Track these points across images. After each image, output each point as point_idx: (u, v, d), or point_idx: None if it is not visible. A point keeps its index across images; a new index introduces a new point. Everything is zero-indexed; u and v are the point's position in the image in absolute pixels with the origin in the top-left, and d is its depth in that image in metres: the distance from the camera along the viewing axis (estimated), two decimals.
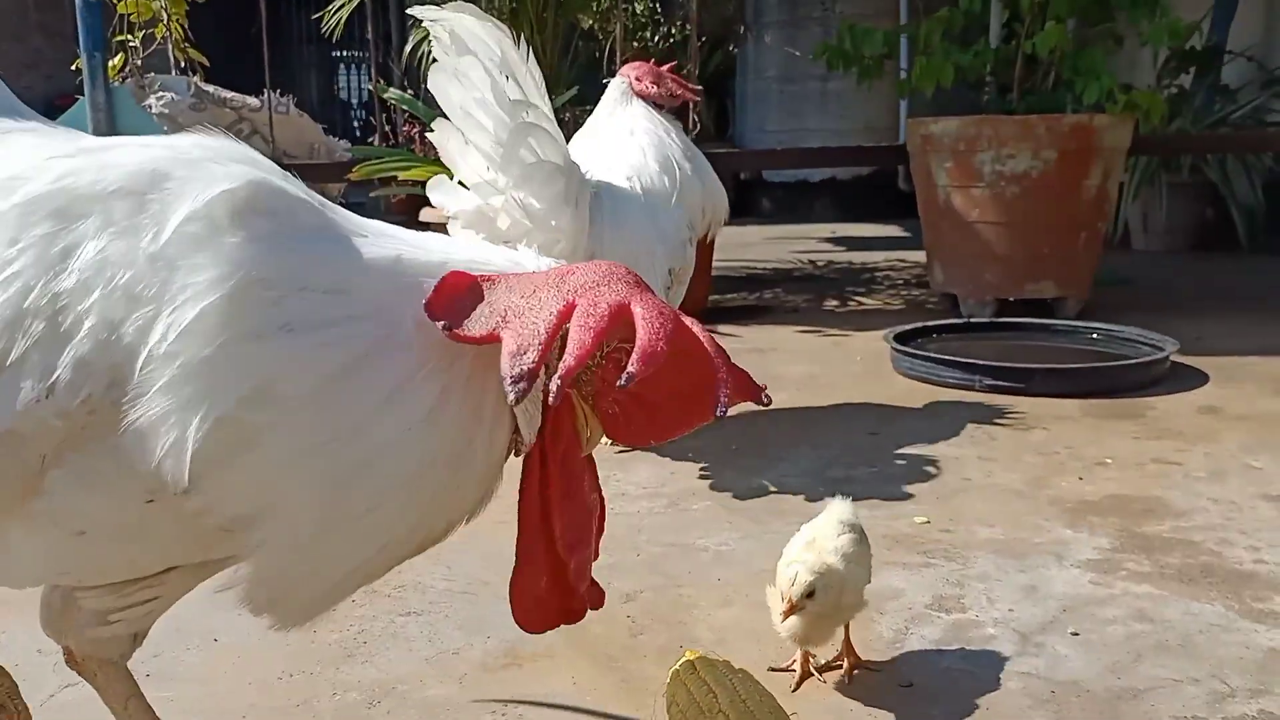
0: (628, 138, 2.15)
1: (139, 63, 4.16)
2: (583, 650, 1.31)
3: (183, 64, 4.31)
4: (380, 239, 0.85)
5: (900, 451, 2.11)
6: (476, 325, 0.77)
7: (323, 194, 0.92)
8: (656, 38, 4.36)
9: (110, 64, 3.78)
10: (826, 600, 1.17)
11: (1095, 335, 2.94)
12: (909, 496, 1.85)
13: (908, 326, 2.93)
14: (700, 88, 2.58)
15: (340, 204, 0.91)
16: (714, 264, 3.70)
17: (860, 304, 3.81)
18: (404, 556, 0.89)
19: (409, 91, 3.78)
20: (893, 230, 5.84)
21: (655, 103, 2.22)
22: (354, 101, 10.21)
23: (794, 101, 6.49)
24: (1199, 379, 2.61)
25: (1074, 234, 3.32)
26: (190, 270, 0.75)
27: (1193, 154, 4.71)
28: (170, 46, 4.22)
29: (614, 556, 1.54)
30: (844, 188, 6.59)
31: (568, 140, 1.96)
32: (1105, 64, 3.29)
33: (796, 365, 2.86)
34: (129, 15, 4.14)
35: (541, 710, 1.18)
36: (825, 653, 1.27)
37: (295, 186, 0.86)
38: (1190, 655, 1.28)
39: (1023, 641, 1.32)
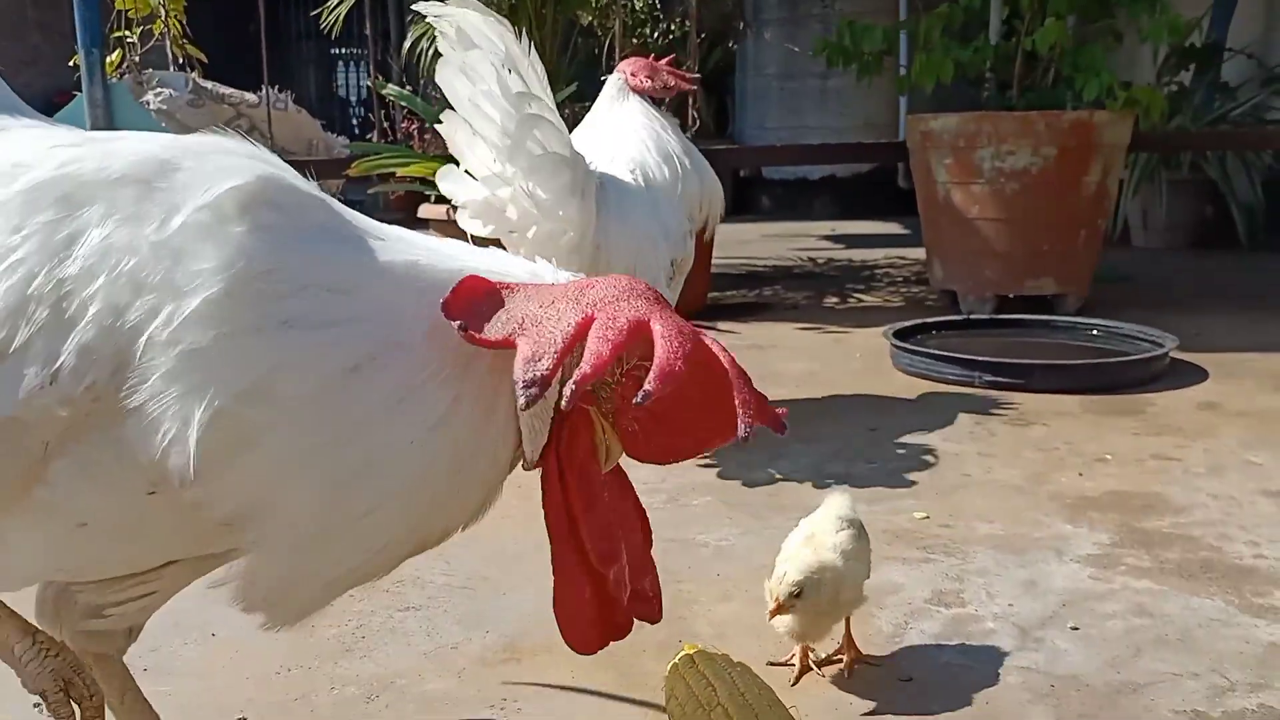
0: (629, 131, 2.18)
1: (137, 59, 4.15)
2: None
3: (181, 60, 4.30)
4: (397, 244, 0.85)
5: (900, 447, 2.10)
6: (493, 330, 0.77)
7: (320, 188, 0.92)
8: (656, 34, 4.35)
9: (108, 60, 3.77)
10: (820, 597, 1.17)
11: (1095, 332, 2.94)
12: (909, 492, 1.85)
13: (907, 323, 2.93)
14: (697, 77, 2.59)
15: (339, 200, 0.90)
16: (713, 261, 3.70)
17: (860, 301, 3.81)
18: (401, 559, 0.88)
19: (407, 88, 3.78)
20: (892, 228, 5.83)
21: (652, 97, 2.24)
22: (352, 99, 10.20)
23: (794, 98, 6.49)
24: (1198, 375, 2.61)
25: (1074, 231, 3.31)
26: (195, 259, 0.75)
27: (1192, 151, 4.71)
28: (168, 43, 4.21)
29: None
30: (843, 185, 6.59)
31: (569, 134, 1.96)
32: (1105, 61, 3.29)
33: (796, 362, 2.86)
34: (127, 11, 4.14)
35: (540, 704, 1.18)
36: (825, 647, 1.26)
37: (307, 185, 0.85)
38: (1190, 650, 1.28)
39: (1022, 636, 1.32)
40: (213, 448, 0.74)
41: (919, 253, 4.03)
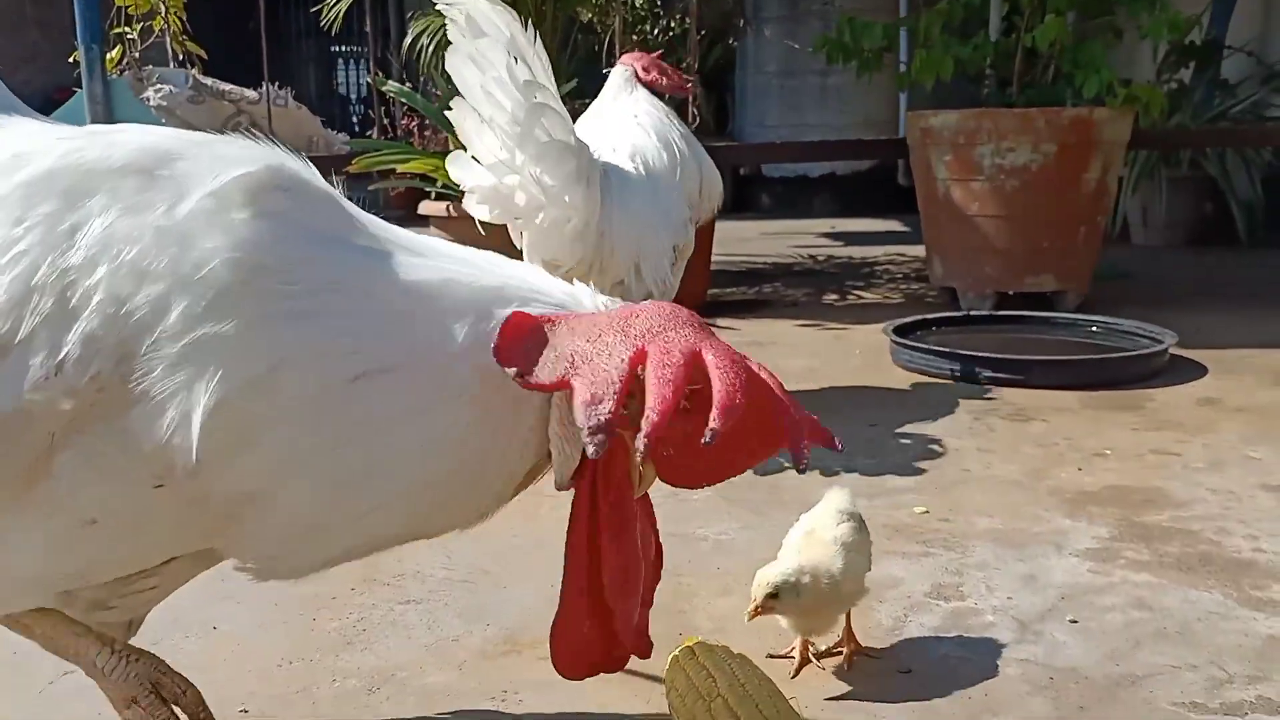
0: (630, 120, 2.23)
1: (137, 55, 4.15)
2: None
3: (181, 57, 4.30)
4: (432, 255, 0.84)
5: (900, 443, 2.11)
6: (545, 371, 0.76)
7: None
8: (656, 31, 4.35)
9: (108, 57, 3.77)
10: (799, 599, 1.16)
11: (1095, 328, 2.94)
12: (908, 487, 1.85)
13: (907, 319, 2.93)
14: (695, 77, 2.64)
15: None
16: (713, 258, 3.70)
17: (860, 298, 3.81)
18: (391, 546, 0.89)
19: (407, 85, 3.78)
20: (892, 225, 5.84)
21: (656, 90, 2.32)
22: (352, 96, 10.19)
23: (794, 96, 6.49)
24: (1198, 371, 2.61)
25: (1073, 227, 3.32)
26: (201, 247, 0.75)
27: (1192, 149, 4.71)
28: (168, 39, 4.21)
29: None
30: (843, 183, 6.59)
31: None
32: (1105, 58, 3.29)
33: (796, 358, 2.86)
34: (126, 8, 4.14)
35: (541, 696, 1.18)
36: (825, 640, 1.27)
37: (320, 181, 0.85)
38: (1189, 642, 1.29)
39: (1021, 629, 1.33)
40: (216, 439, 0.74)
41: (919, 250, 4.03)
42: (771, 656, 1.25)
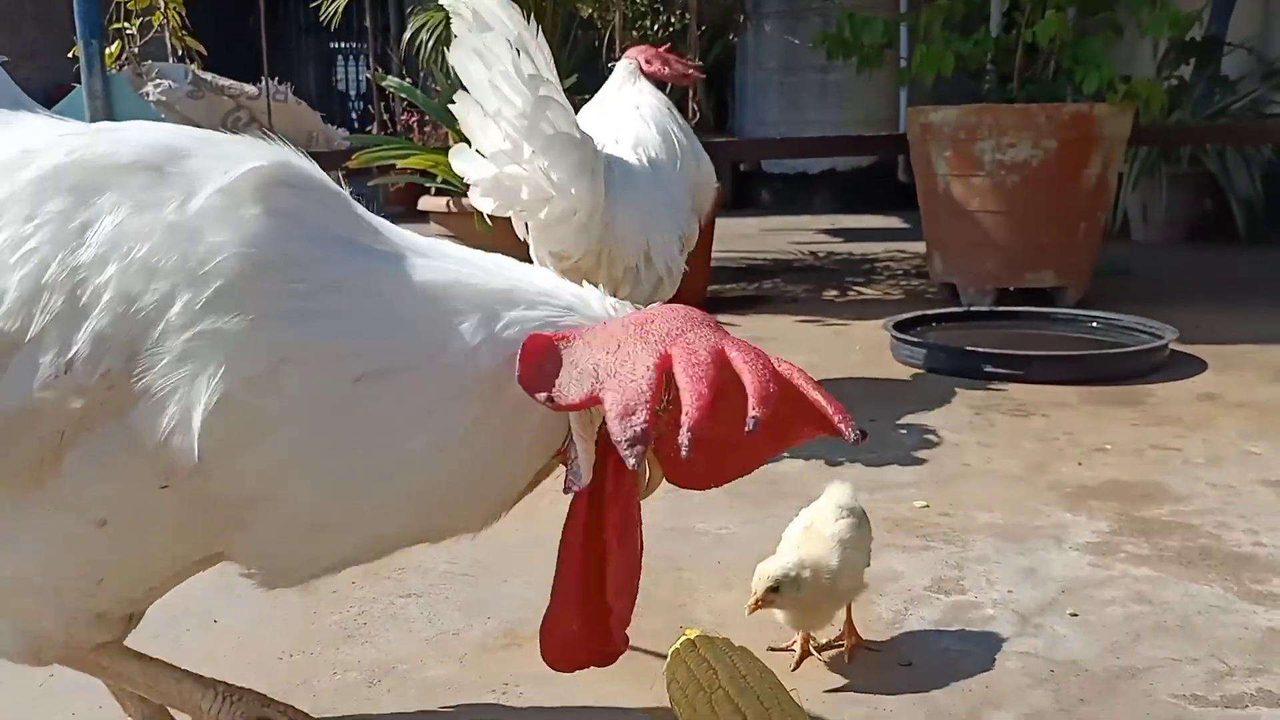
0: (633, 112, 2.25)
1: (136, 50, 4.15)
2: None
3: (180, 52, 4.29)
4: (438, 257, 0.84)
5: (900, 437, 2.11)
6: (572, 390, 0.76)
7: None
8: (656, 26, 4.35)
9: (107, 52, 3.77)
10: (800, 593, 1.16)
11: (1095, 324, 2.94)
12: (909, 481, 1.85)
13: (908, 315, 2.93)
14: (701, 63, 2.66)
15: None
16: (713, 255, 3.70)
17: (860, 294, 3.81)
18: (396, 549, 0.89)
19: (407, 80, 3.78)
20: (892, 222, 5.84)
21: (660, 83, 2.35)
22: (352, 93, 10.18)
23: (794, 93, 6.48)
24: (1198, 367, 2.61)
25: (1074, 223, 3.31)
26: (209, 243, 0.75)
27: (1192, 145, 4.71)
28: (167, 34, 4.21)
29: None
30: (843, 179, 6.58)
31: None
32: (1105, 54, 3.29)
33: (797, 354, 2.86)
34: (125, 3, 4.13)
35: (541, 690, 1.18)
36: (826, 633, 1.27)
37: (329, 181, 0.84)
38: (1189, 636, 1.29)
39: (1022, 622, 1.33)
40: (217, 438, 0.74)
41: (919, 246, 4.03)
42: (772, 649, 1.25)
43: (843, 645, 1.25)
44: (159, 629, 1.31)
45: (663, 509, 1.72)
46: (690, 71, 2.39)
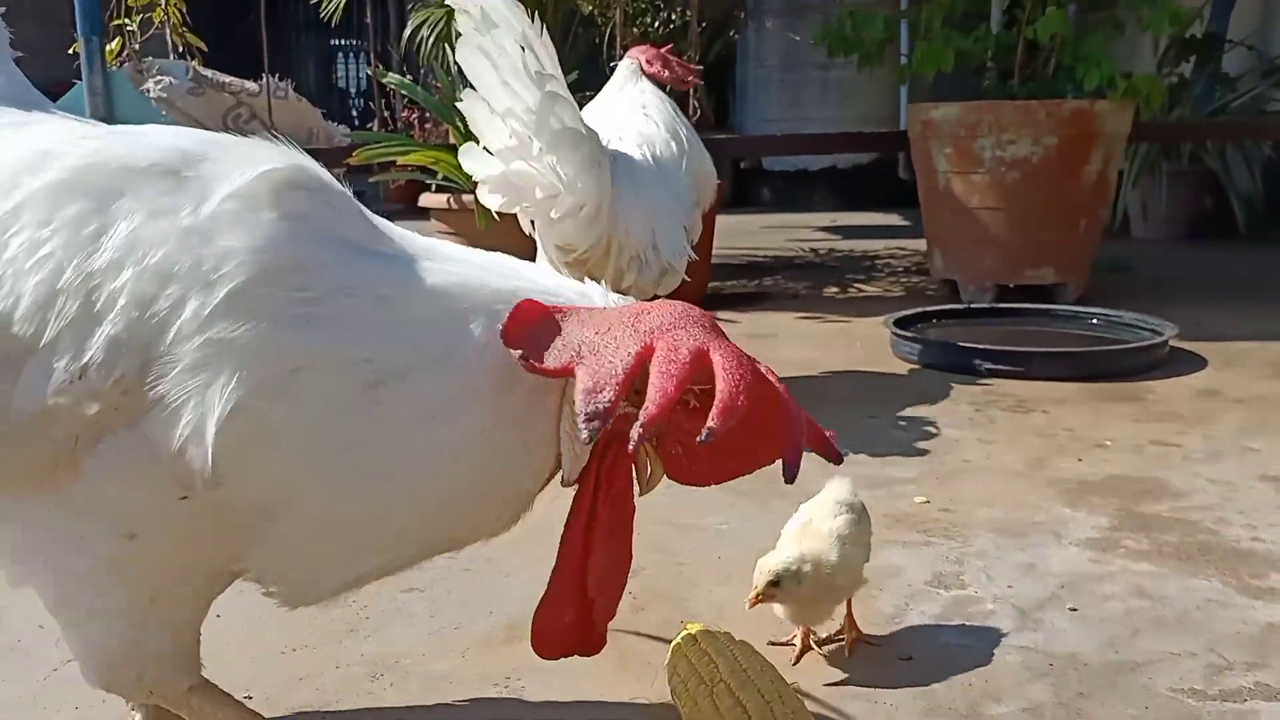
0: (637, 110, 2.29)
1: (136, 47, 4.15)
2: None
3: (180, 49, 4.29)
4: (444, 259, 0.84)
5: (900, 434, 2.11)
6: (551, 357, 0.77)
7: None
8: (656, 24, 4.35)
9: (107, 49, 3.77)
10: (800, 587, 1.17)
11: (1095, 320, 2.94)
12: (909, 477, 1.86)
13: (908, 312, 2.93)
14: (700, 68, 2.70)
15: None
16: (714, 252, 3.71)
17: (860, 291, 3.82)
18: (421, 560, 0.89)
19: (408, 77, 3.78)
20: (893, 219, 5.84)
21: (662, 83, 2.39)
22: (352, 90, 10.18)
23: (794, 90, 6.48)
24: (1198, 363, 2.61)
25: (1074, 220, 3.32)
26: (223, 247, 0.75)
27: (1192, 142, 4.71)
28: (168, 31, 4.20)
29: None
30: (844, 177, 6.59)
31: None
32: (1106, 51, 3.29)
33: (797, 350, 2.86)
34: (125, 0, 4.12)
35: (543, 683, 1.19)
36: (826, 628, 1.27)
37: (341, 186, 0.85)
38: (1188, 630, 1.29)
39: (1021, 617, 1.33)
40: (231, 443, 0.74)
41: (919, 243, 4.03)
42: (773, 644, 1.26)
43: (843, 640, 1.25)
44: None
45: (663, 504, 1.72)
46: (689, 77, 2.44)
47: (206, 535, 0.81)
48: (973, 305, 3.24)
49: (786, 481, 0.77)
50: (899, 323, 2.80)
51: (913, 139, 3.52)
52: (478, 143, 1.90)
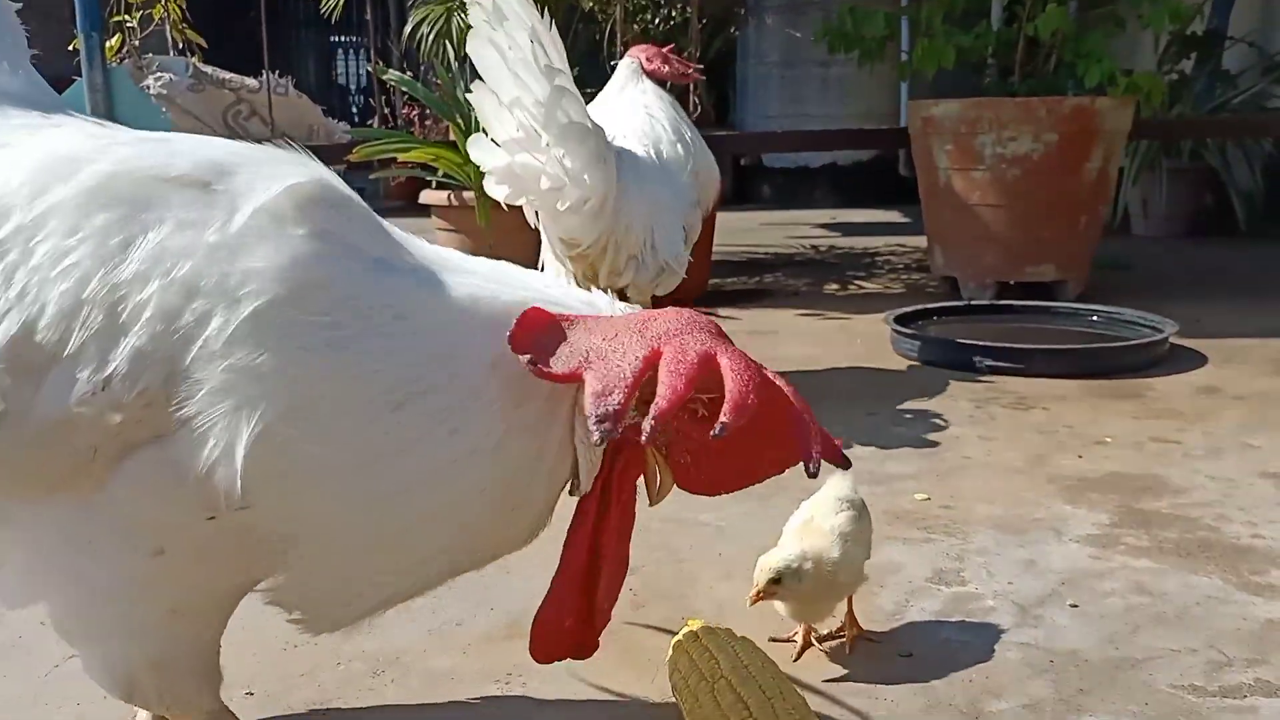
0: (639, 109, 2.30)
1: (136, 44, 4.14)
2: None
3: (180, 45, 4.29)
4: (455, 271, 0.84)
5: (901, 430, 2.11)
6: (559, 363, 0.77)
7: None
8: (657, 20, 4.35)
9: (107, 45, 3.76)
10: (801, 585, 1.17)
11: (1095, 317, 2.95)
12: (909, 473, 1.86)
13: (908, 309, 2.93)
14: (702, 66, 2.73)
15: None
16: (714, 249, 3.70)
17: (861, 288, 3.82)
18: (439, 583, 0.89)
19: (408, 74, 3.77)
20: (893, 216, 5.83)
21: (662, 82, 2.41)
22: (352, 87, 10.17)
23: (795, 87, 6.47)
24: (1198, 360, 2.62)
25: (1074, 217, 3.32)
26: (250, 264, 0.74)
27: (1193, 139, 4.70)
28: (168, 27, 4.20)
29: None
30: (844, 173, 6.58)
31: None
32: (1106, 47, 3.28)
33: (798, 347, 2.86)
34: None
35: (544, 680, 1.19)
36: (827, 624, 1.27)
37: (361, 201, 0.84)
38: (1188, 626, 1.29)
39: (1022, 613, 1.33)
40: (258, 468, 0.74)
41: (920, 240, 4.03)
42: (774, 640, 1.26)
43: (844, 636, 1.26)
44: None
45: (664, 501, 1.73)
46: (689, 71, 2.45)
47: (232, 554, 0.81)
48: (973, 302, 3.24)
49: (810, 476, 0.78)
50: (899, 319, 2.80)
51: (913, 136, 3.51)
52: (485, 134, 1.91)
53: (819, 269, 4.24)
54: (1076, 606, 1.35)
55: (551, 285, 0.89)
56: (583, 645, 0.92)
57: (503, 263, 0.90)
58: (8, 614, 1.34)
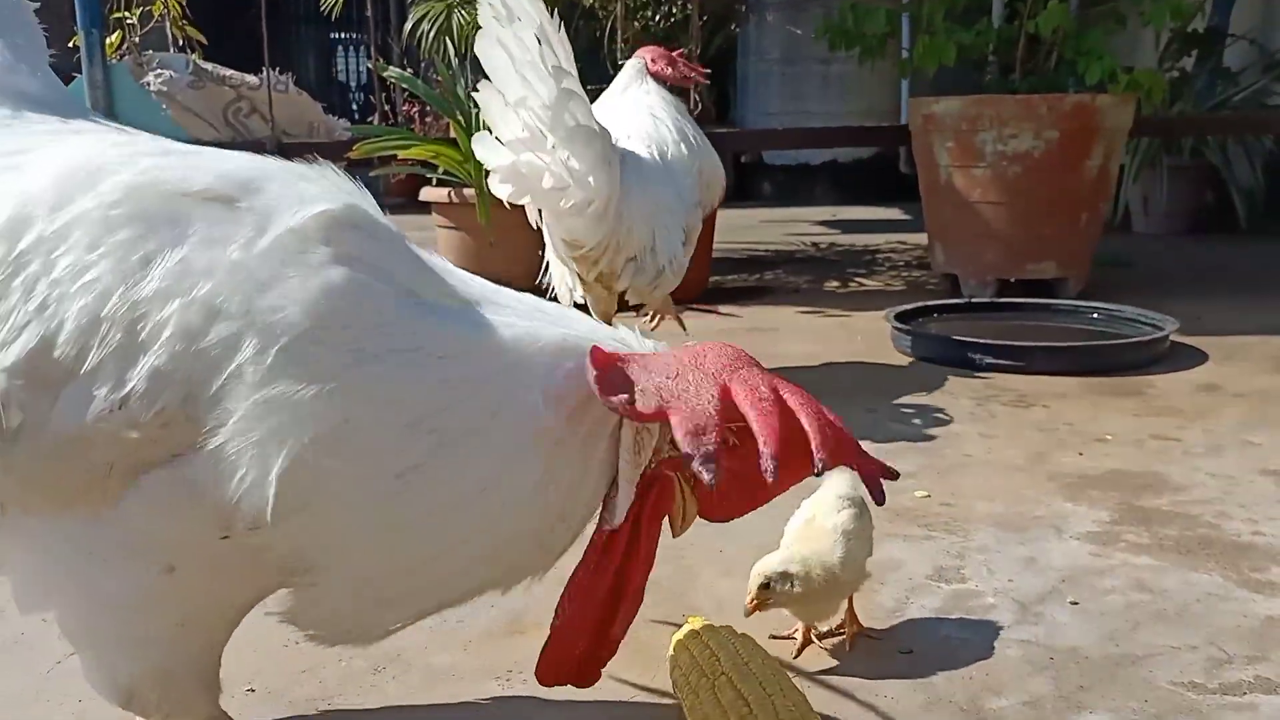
0: (643, 110, 2.31)
1: (136, 40, 4.14)
2: None
3: (180, 41, 4.28)
4: (492, 306, 0.83)
5: (901, 428, 2.11)
6: (642, 403, 0.79)
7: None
8: (658, 17, 4.34)
9: (107, 42, 3.76)
10: (792, 589, 1.17)
11: (1096, 315, 2.94)
12: (910, 471, 1.86)
13: (909, 306, 2.93)
14: (708, 70, 2.75)
15: None
16: (715, 246, 3.70)
17: (861, 285, 3.82)
18: (462, 603, 0.88)
19: (408, 71, 3.77)
20: (894, 213, 5.83)
21: (668, 83, 2.42)
22: (352, 84, 10.16)
23: (796, 84, 6.47)
24: (1198, 358, 2.62)
25: (1075, 214, 3.31)
26: (279, 290, 0.73)
27: (1194, 136, 4.70)
28: (168, 24, 4.20)
29: None
30: (845, 171, 6.58)
31: None
32: (1107, 45, 3.28)
33: (798, 344, 2.86)
34: None
35: None
36: (827, 621, 1.27)
37: (388, 221, 0.83)
38: (1188, 623, 1.29)
39: (1022, 610, 1.33)
40: (284, 497, 0.73)
41: (920, 238, 4.03)
42: (774, 637, 1.26)
43: (844, 633, 1.26)
44: None
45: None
46: (693, 74, 2.46)
47: (244, 571, 0.81)
48: (974, 299, 3.24)
49: (878, 504, 0.85)
50: (900, 317, 2.80)
51: (914, 133, 3.51)
52: (490, 133, 1.91)
53: (819, 266, 4.23)
54: (1077, 604, 1.35)
55: (582, 321, 0.88)
56: (589, 674, 0.93)
57: (530, 296, 0.89)
58: (9, 611, 1.34)
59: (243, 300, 0.72)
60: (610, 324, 2.59)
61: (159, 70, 4.06)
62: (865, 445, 2.12)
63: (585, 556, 0.88)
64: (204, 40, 4.38)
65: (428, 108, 3.50)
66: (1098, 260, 3.51)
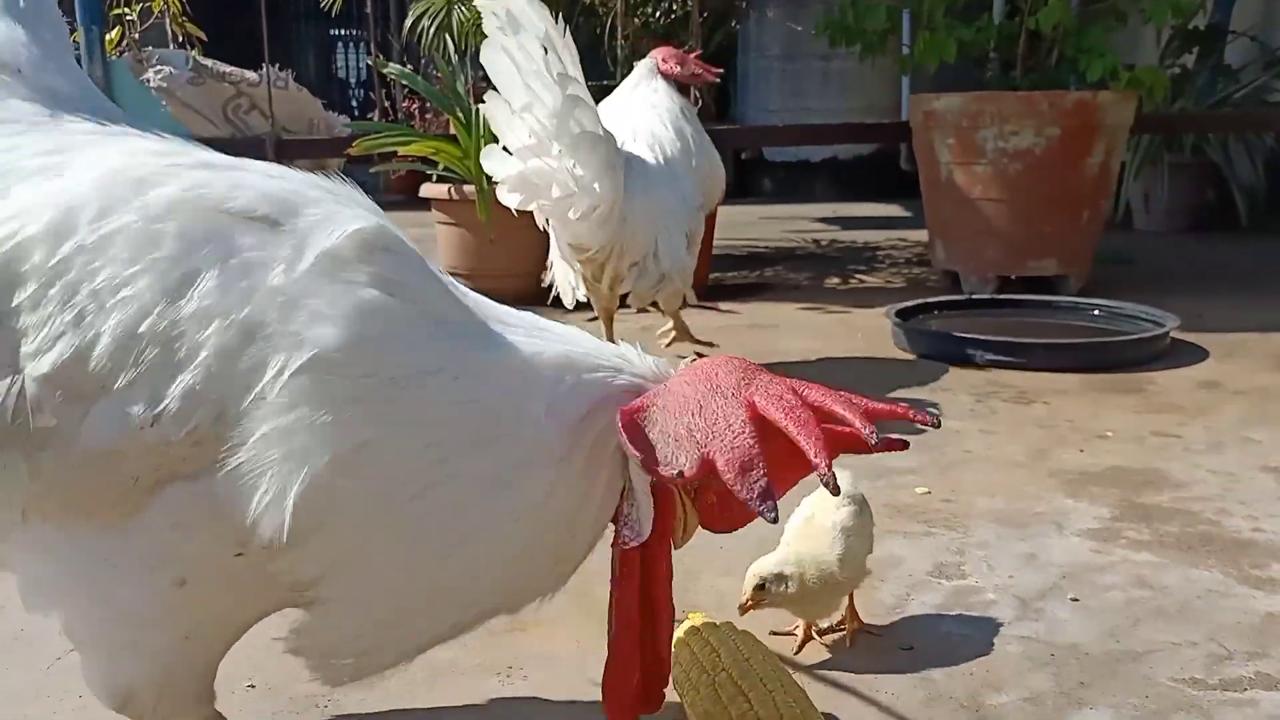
0: (647, 108, 2.34)
1: (136, 37, 4.13)
2: (586, 614, 1.32)
3: (180, 38, 4.28)
4: (501, 325, 0.84)
5: (901, 424, 2.11)
6: (683, 459, 0.77)
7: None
8: (658, 13, 4.33)
9: (107, 38, 3.76)
10: (786, 590, 1.17)
11: (1096, 312, 2.94)
12: (910, 467, 1.86)
13: (909, 303, 2.93)
14: (721, 70, 2.76)
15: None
16: (715, 243, 3.70)
17: (862, 282, 3.81)
18: (472, 629, 0.88)
19: (408, 67, 3.77)
20: (894, 210, 5.82)
21: (676, 82, 2.46)
22: (352, 80, 10.14)
23: (796, 81, 6.46)
24: (1199, 355, 2.61)
25: (1076, 211, 3.31)
26: (311, 311, 0.73)
27: (1195, 134, 4.69)
28: (167, 21, 4.19)
29: None
30: (845, 168, 6.57)
31: None
32: (1108, 42, 3.28)
33: (799, 341, 2.86)
34: None
35: (545, 672, 1.19)
36: (827, 619, 1.27)
37: (413, 247, 0.83)
38: (1188, 620, 1.30)
39: (1022, 607, 1.33)
40: (301, 513, 0.73)
41: (920, 235, 4.03)
42: (775, 634, 1.26)
43: (844, 630, 1.26)
44: None
45: None
46: (701, 72, 2.48)
47: (255, 588, 0.81)
48: (974, 296, 3.23)
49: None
50: (900, 313, 2.80)
51: (915, 130, 3.51)
52: (497, 142, 1.93)
53: (820, 263, 4.23)
54: (1077, 600, 1.35)
55: (582, 337, 0.88)
56: (653, 698, 0.92)
57: (531, 313, 0.89)
58: (10, 607, 1.34)
59: (280, 323, 0.72)
60: (611, 320, 2.59)
61: (159, 66, 4.05)
62: None
63: (615, 575, 0.88)
64: (204, 36, 4.37)
65: (428, 104, 3.50)
66: (1099, 257, 3.50)
